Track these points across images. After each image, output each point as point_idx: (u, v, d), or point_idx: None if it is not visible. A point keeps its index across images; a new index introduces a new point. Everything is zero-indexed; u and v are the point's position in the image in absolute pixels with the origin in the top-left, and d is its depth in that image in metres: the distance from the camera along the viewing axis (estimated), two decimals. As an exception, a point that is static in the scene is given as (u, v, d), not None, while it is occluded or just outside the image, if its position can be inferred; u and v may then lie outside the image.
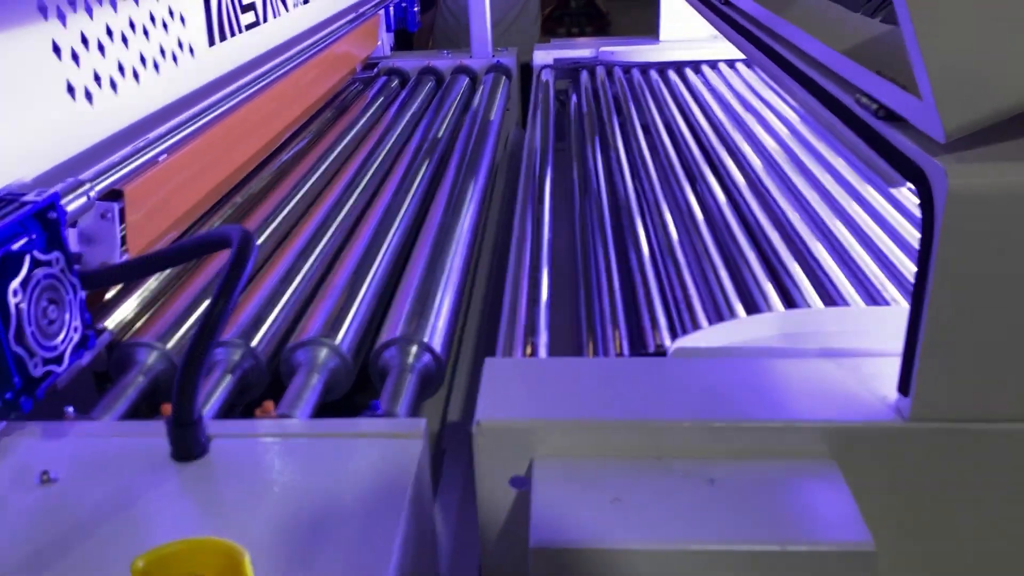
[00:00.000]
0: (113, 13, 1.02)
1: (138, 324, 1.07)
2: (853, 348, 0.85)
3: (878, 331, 0.89)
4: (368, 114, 1.96)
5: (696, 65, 2.18)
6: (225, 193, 1.41)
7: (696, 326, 1.02)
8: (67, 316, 0.74)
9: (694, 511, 0.67)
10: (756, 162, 1.49)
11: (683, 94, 1.94)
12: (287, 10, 1.59)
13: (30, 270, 0.68)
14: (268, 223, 1.35)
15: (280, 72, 1.41)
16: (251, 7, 1.43)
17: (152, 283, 1.14)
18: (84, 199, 0.83)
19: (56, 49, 0.90)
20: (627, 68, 2.21)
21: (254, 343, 1.02)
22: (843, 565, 0.64)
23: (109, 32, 1.01)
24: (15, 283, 0.67)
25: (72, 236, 0.84)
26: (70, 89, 0.92)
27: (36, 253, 0.69)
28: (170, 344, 1.01)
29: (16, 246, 0.69)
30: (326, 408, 0.97)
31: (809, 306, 1.02)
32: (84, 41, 0.95)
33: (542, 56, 2.31)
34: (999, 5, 0.61)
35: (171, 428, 0.76)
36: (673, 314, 1.09)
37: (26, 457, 0.77)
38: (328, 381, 0.98)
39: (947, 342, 0.68)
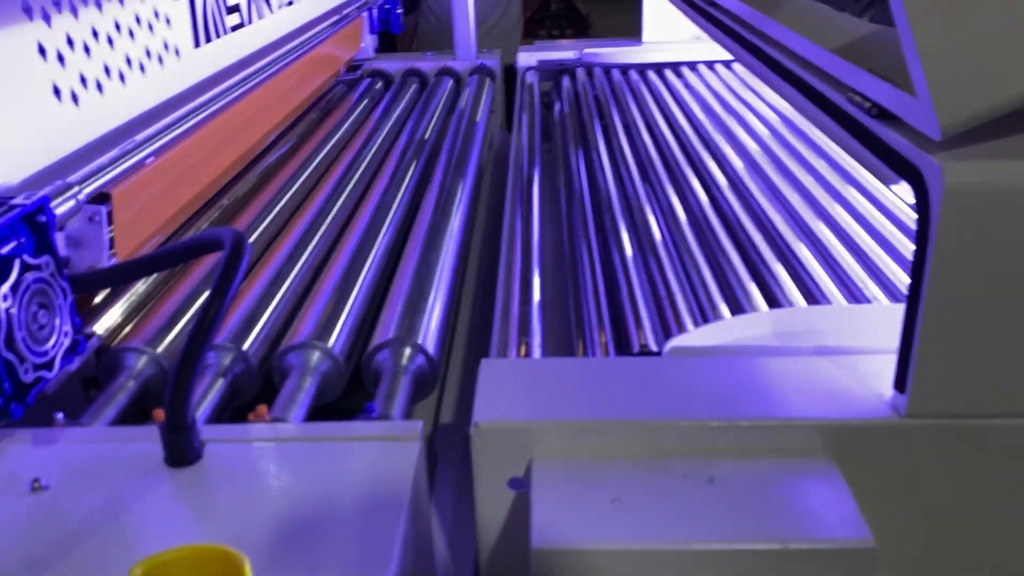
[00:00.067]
0: (98, 14, 1.00)
1: (126, 329, 1.06)
2: (847, 346, 0.85)
3: (871, 329, 0.89)
4: (353, 116, 1.95)
5: (679, 66, 2.18)
6: (212, 196, 1.40)
7: (681, 326, 1.02)
8: (57, 321, 0.73)
9: (695, 510, 0.67)
10: (739, 163, 1.50)
11: (665, 95, 1.95)
12: (271, 11, 1.58)
13: (20, 274, 0.67)
14: (256, 225, 1.34)
15: (266, 74, 1.40)
16: (236, 8, 1.42)
17: (140, 287, 1.13)
18: (73, 202, 0.82)
19: (41, 50, 0.89)
20: (609, 69, 2.22)
21: (245, 347, 1.01)
22: (844, 562, 0.64)
23: (95, 33, 0.99)
24: (4, 288, 0.66)
25: (60, 240, 0.83)
26: (56, 91, 0.91)
27: (26, 257, 0.68)
28: (160, 348, 1.00)
29: (5, 250, 0.68)
30: (317, 412, 0.96)
31: (792, 305, 1.02)
32: (70, 42, 0.94)
33: (526, 58, 2.31)
34: (994, 2, 0.61)
35: (165, 433, 0.74)
36: (669, 313, 1.08)
37: (16, 464, 0.76)
38: (321, 384, 0.97)
39: (943, 339, 0.69)
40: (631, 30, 2.56)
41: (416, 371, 0.97)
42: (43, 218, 0.72)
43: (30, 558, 0.66)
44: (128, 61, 1.06)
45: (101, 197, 0.91)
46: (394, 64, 2.40)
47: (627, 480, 0.71)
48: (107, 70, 1.02)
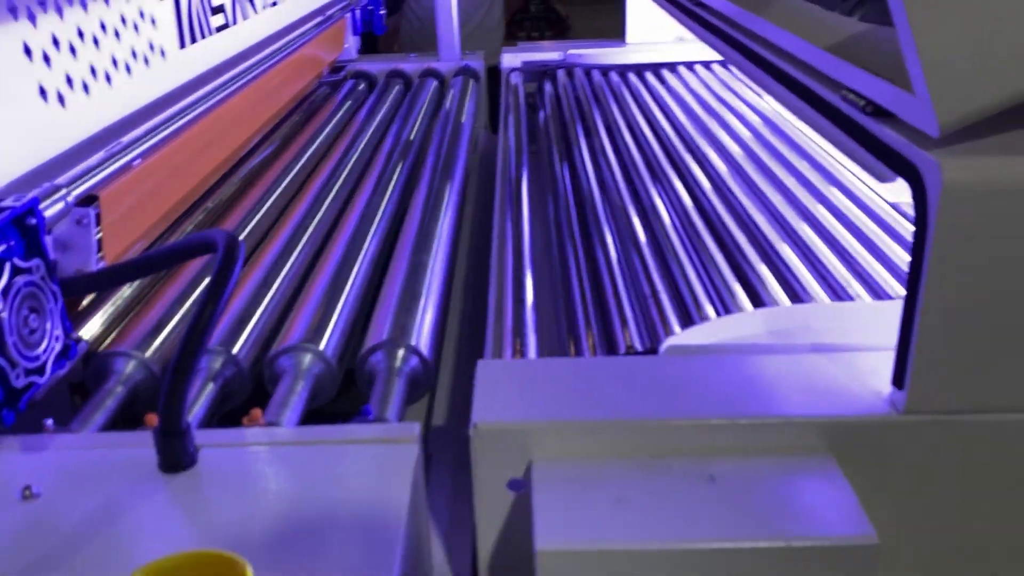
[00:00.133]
0: (84, 14, 0.99)
1: (112, 334, 1.05)
2: (842, 343, 0.85)
3: (864, 326, 0.90)
4: (337, 117, 1.94)
5: (662, 67, 2.19)
6: (197, 199, 1.38)
7: (666, 325, 1.01)
8: (48, 325, 0.71)
9: (698, 510, 0.67)
10: (722, 165, 1.50)
11: (649, 97, 1.95)
12: (256, 12, 1.57)
13: (10, 278, 0.66)
14: (242, 228, 1.33)
15: (251, 75, 1.39)
16: (220, 9, 1.40)
17: (125, 291, 1.12)
18: (62, 204, 0.80)
19: (27, 51, 0.88)
20: (591, 71, 2.21)
21: (235, 350, 1.00)
22: (847, 559, 0.64)
23: (80, 33, 0.98)
24: (-4, 291, 0.64)
25: (47, 243, 0.82)
26: (42, 92, 0.90)
27: (16, 260, 0.67)
28: (148, 352, 0.99)
29: (-6, 253, 0.67)
30: (309, 416, 0.95)
31: (777, 304, 1.02)
32: (55, 42, 0.93)
33: (510, 59, 2.31)
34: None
35: (159, 438, 0.73)
36: (655, 313, 1.08)
37: (5, 472, 0.75)
38: (313, 387, 0.96)
39: (942, 335, 0.69)
40: (610, 32, 2.57)
41: (410, 373, 0.97)
42: (33, 220, 0.71)
43: (24, 567, 0.65)
44: (114, 62, 1.05)
45: (89, 200, 0.90)
46: (377, 65, 2.39)
47: (628, 480, 0.71)
48: (93, 71, 1.00)
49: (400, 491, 0.71)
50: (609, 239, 1.26)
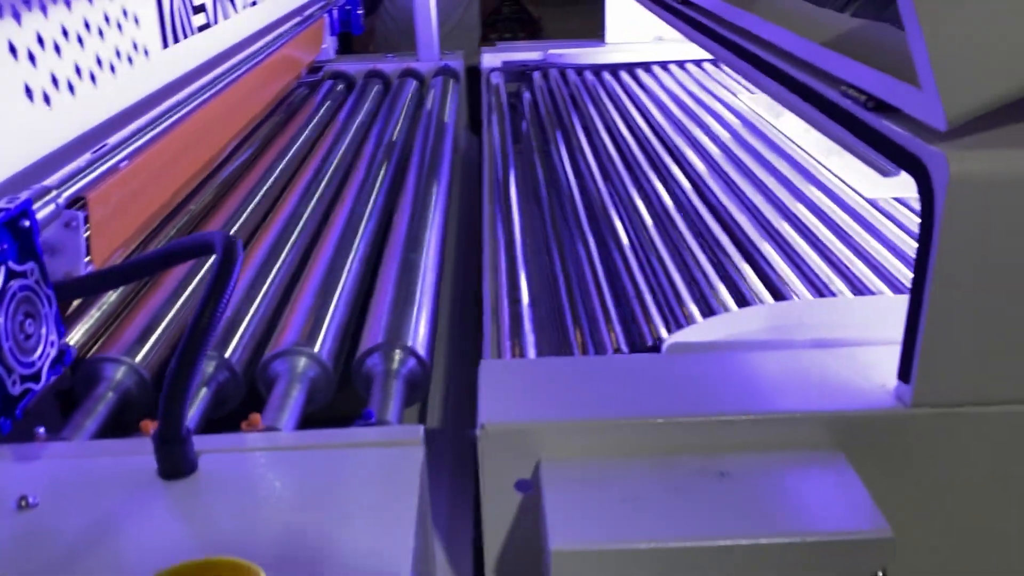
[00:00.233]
0: (67, 12, 0.97)
1: (99, 339, 1.02)
2: (843, 338, 0.85)
3: (864, 321, 0.90)
4: (317, 118, 1.92)
5: (642, 67, 2.19)
6: (180, 201, 1.36)
7: (651, 324, 1.01)
8: (44, 330, 0.69)
9: (711, 507, 0.67)
10: (710, 155, 1.51)
11: (629, 97, 1.95)
12: (236, 12, 1.55)
13: (5, 282, 0.64)
14: (227, 230, 1.31)
15: (234, 75, 1.37)
16: (202, 8, 1.38)
17: (111, 296, 1.09)
18: (52, 207, 0.78)
19: (12, 49, 0.86)
20: (568, 70, 2.21)
21: (227, 354, 0.98)
22: (863, 553, 0.64)
23: (64, 32, 0.96)
24: (-9, 296, 0.62)
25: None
26: (28, 91, 0.88)
27: (11, 264, 0.65)
28: (138, 358, 0.97)
29: (-12, 256, 0.65)
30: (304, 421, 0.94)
31: (762, 302, 1.01)
32: (40, 41, 0.91)
33: (490, 59, 2.30)
34: (1000, -7, 0.62)
35: (158, 445, 0.72)
36: (639, 312, 1.08)
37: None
38: (309, 391, 0.94)
39: (948, 328, 0.69)
40: (582, 33, 2.57)
41: (408, 375, 0.95)
42: (26, 223, 0.69)
43: (23, 580, 0.63)
44: (99, 61, 1.03)
45: (77, 202, 0.88)
46: (355, 66, 2.37)
47: (639, 478, 0.70)
48: (78, 70, 0.98)
49: (408, 495, 0.70)
50: (596, 239, 1.26)
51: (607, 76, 2.15)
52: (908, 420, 0.72)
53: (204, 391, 0.94)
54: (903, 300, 0.97)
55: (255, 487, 0.71)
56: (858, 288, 1.05)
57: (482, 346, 0.98)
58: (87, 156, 0.91)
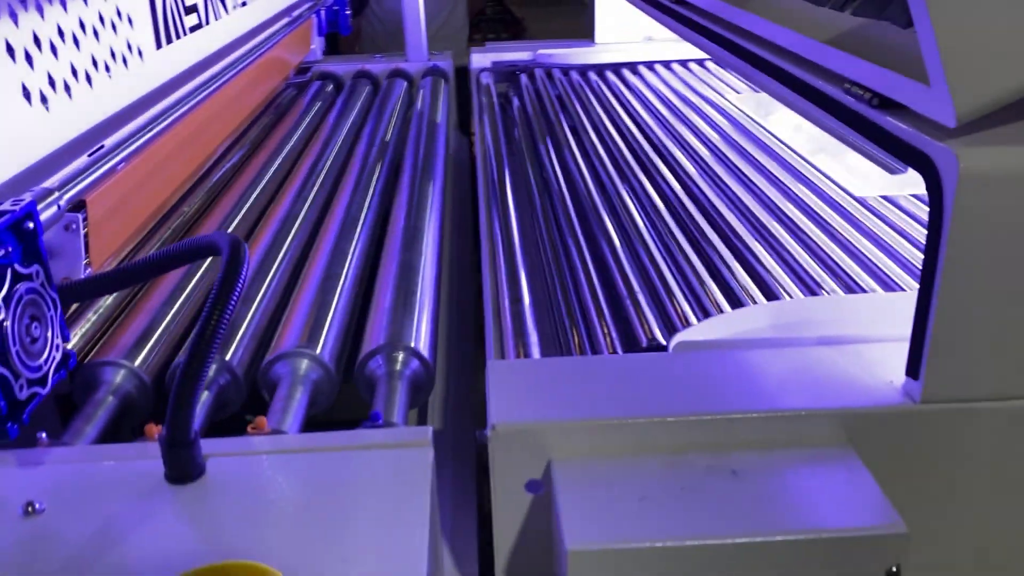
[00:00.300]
0: (63, 12, 0.96)
1: (96, 344, 1.01)
2: (847, 335, 0.86)
3: (866, 318, 0.90)
4: (308, 119, 1.91)
5: (632, 66, 2.19)
6: (174, 203, 1.35)
7: (645, 324, 1.00)
8: (49, 333, 0.68)
9: (725, 504, 0.67)
10: (700, 155, 1.51)
11: (618, 97, 1.95)
12: (227, 12, 1.53)
13: (11, 285, 0.63)
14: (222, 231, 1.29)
15: (227, 76, 1.36)
16: (194, 9, 1.37)
17: (107, 300, 1.08)
18: (54, 208, 0.77)
19: (10, 50, 0.84)
20: (559, 70, 2.21)
21: (228, 357, 0.97)
22: (878, 549, 0.64)
23: (60, 33, 0.95)
24: (-2, 299, 0.61)
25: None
26: (26, 93, 0.86)
27: (17, 266, 0.64)
28: (137, 361, 0.96)
29: (-6, 259, 0.64)
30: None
31: (755, 300, 1.02)
32: (36, 42, 0.89)
33: (480, 59, 2.30)
34: (1009, -9, 0.62)
35: (166, 449, 0.71)
36: (633, 312, 1.07)
37: (4, 488, 0.72)
38: (312, 393, 0.94)
39: (958, 324, 0.69)
40: (565, 33, 2.57)
41: (411, 376, 0.95)
42: (31, 225, 0.68)
43: (33, 587, 0.62)
44: (94, 62, 1.01)
45: (77, 205, 0.87)
46: (343, 66, 2.36)
47: (651, 477, 0.70)
48: (74, 71, 0.97)
49: (420, 496, 0.70)
50: (587, 239, 1.25)
51: (595, 76, 2.14)
52: (917, 416, 0.72)
53: (206, 394, 0.93)
54: (904, 297, 0.99)
55: (265, 491, 0.71)
56: (849, 286, 1.06)
57: (484, 346, 0.98)
58: (86, 158, 0.89)
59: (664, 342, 0.93)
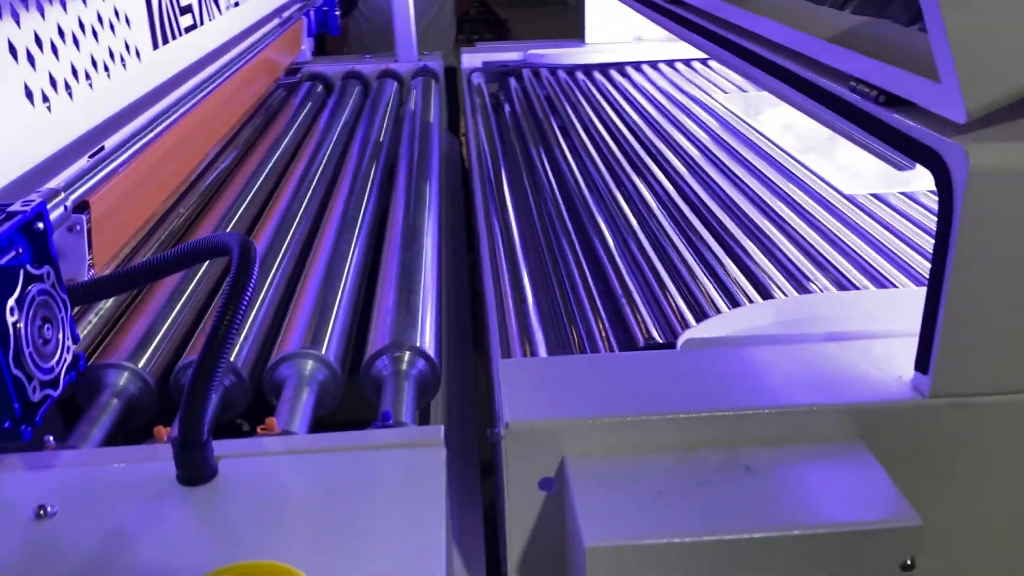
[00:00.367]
0: (63, 12, 0.95)
1: (100, 345, 1.00)
2: (853, 331, 0.86)
3: (871, 314, 0.91)
4: (299, 120, 1.90)
5: (622, 66, 2.20)
6: (171, 205, 1.34)
7: (641, 323, 1.01)
8: (61, 335, 0.68)
9: (740, 500, 0.67)
10: (689, 158, 1.52)
11: (609, 97, 1.95)
12: (220, 13, 1.53)
13: (24, 286, 0.63)
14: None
15: (224, 76, 1.36)
16: (188, 9, 1.36)
17: (107, 301, 1.07)
18: (61, 209, 0.77)
19: (12, 50, 0.84)
20: (549, 70, 2.21)
21: (232, 358, 0.97)
22: (893, 542, 0.64)
23: (61, 33, 0.94)
24: (11, 301, 0.61)
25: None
26: (28, 93, 0.86)
27: (29, 267, 0.64)
28: (141, 363, 0.95)
29: (4, 260, 0.63)
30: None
31: (750, 298, 1.02)
32: (38, 42, 0.89)
33: (470, 59, 2.30)
34: (1019, -11, 0.63)
35: (178, 450, 0.70)
36: (628, 311, 1.07)
37: (13, 491, 0.71)
38: (318, 394, 0.93)
39: (967, 319, 0.70)
40: (549, 33, 2.58)
41: (418, 376, 0.95)
42: (41, 226, 0.67)
43: (48, 591, 0.62)
44: (94, 63, 1.01)
45: (80, 206, 0.86)
46: (333, 67, 2.35)
47: (665, 474, 0.70)
48: (74, 72, 0.96)
49: (435, 495, 0.70)
50: (575, 238, 1.26)
51: (584, 76, 2.15)
52: (927, 410, 0.73)
53: (212, 396, 0.92)
54: (905, 293, 1.00)
55: (279, 492, 0.70)
56: (840, 283, 1.07)
57: (482, 345, 0.98)
58: (89, 159, 0.89)
59: (660, 339, 0.94)
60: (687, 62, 2.19)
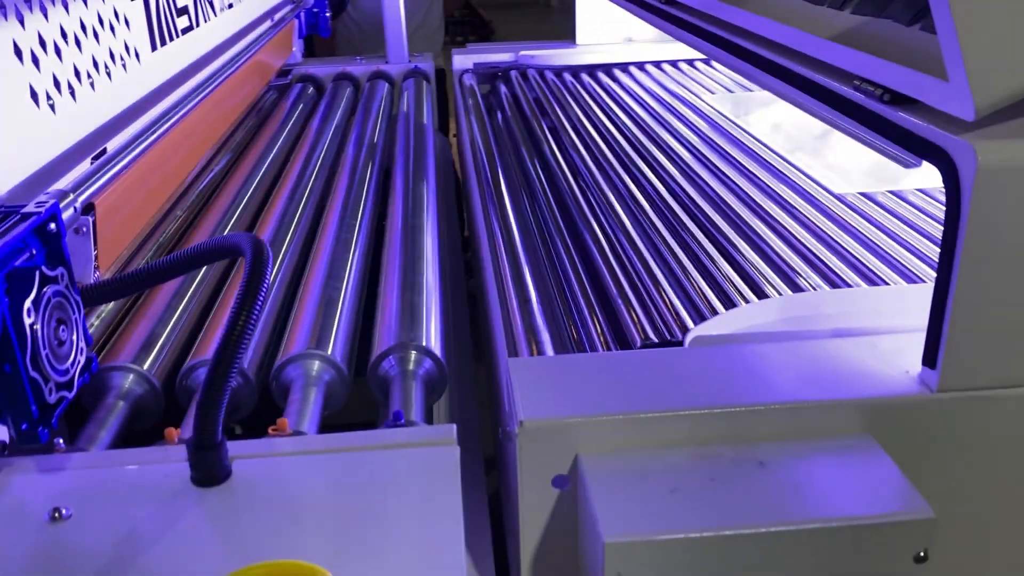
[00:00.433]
0: (65, 14, 0.94)
1: (104, 349, 1.00)
2: (858, 327, 0.87)
3: (875, 310, 0.92)
4: (292, 121, 1.90)
5: (613, 67, 2.21)
6: (169, 207, 1.33)
7: (637, 323, 1.01)
8: (75, 336, 0.68)
9: (755, 494, 0.68)
10: (681, 157, 1.53)
11: (600, 98, 1.96)
12: (215, 14, 1.52)
13: (40, 288, 0.62)
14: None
15: (222, 77, 1.35)
16: (184, 11, 1.36)
17: (109, 304, 1.07)
18: (71, 211, 0.76)
19: (17, 52, 0.83)
20: (541, 71, 2.21)
21: (237, 359, 0.97)
22: (907, 534, 0.65)
23: (63, 34, 0.93)
24: (27, 302, 0.61)
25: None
26: (33, 95, 0.85)
27: (44, 269, 0.63)
28: (146, 365, 0.95)
29: (19, 261, 0.63)
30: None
31: (744, 296, 1.02)
32: (42, 43, 0.88)
33: (461, 61, 2.30)
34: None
35: (193, 452, 0.70)
36: (624, 311, 1.08)
37: (26, 494, 0.71)
38: (326, 394, 0.93)
39: (975, 314, 0.71)
40: (531, 34, 2.59)
41: (425, 376, 0.95)
42: (54, 227, 0.67)
43: (67, 594, 0.61)
44: (95, 64, 1.00)
45: (86, 208, 0.86)
46: (324, 69, 2.35)
47: (679, 469, 0.71)
48: (77, 73, 0.96)
49: (451, 493, 0.70)
50: (568, 238, 1.26)
51: (572, 77, 2.15)
52: (935, 404, 0.74)
53: (217, 397, 0.92)
54: (907, 289, 1.01)
55: (294, 492, 0.70)
56: (832, 280, 1.07)
57: (491, 344, 0.98)
58: (93, 161, 0.88)
59: (655, 339, 0.94)
60: (674, 63, 2.20)
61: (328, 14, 2.42)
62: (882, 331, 0.85)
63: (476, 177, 1.51)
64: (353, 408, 1.01)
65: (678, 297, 1.06)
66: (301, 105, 2.05)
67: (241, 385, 0.95)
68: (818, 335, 0.86)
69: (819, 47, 0.91)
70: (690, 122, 1.76)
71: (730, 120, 1.76)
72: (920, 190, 1.33)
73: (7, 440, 0.73)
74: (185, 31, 1.35)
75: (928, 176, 1.37)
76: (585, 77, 2.15)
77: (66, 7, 0.94)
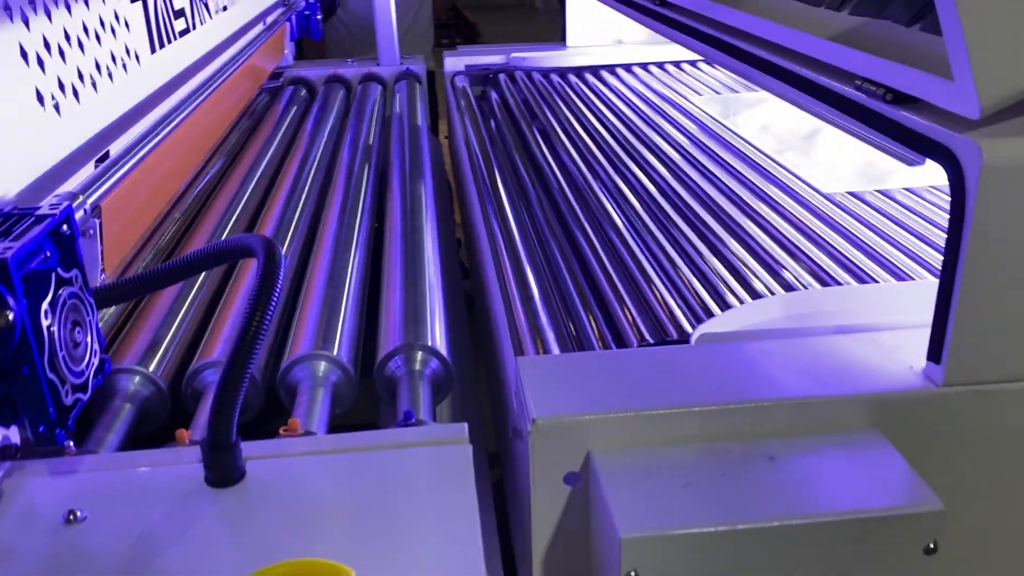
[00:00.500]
0: (68, 16, 0.94)
1: (108, 351, 1.00)
2: (861, 324, 0.89)
3: (876, 306, 0.93)
4: (286, 123, 1.90)
5: (603, 69, 2.21)
6: (167, 209, 1.33)
7: (633, 323, 1.01)
8: (89, 338, 0.68)
9: (766, 489, 0.69)
10: (672, 159, 1.54)
11: (591, 99, 1.97)
12: (211, 16, 1.52)
13: (56, 290, 0.62)
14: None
15: (219, 80, 1.35)
16: (181, 13, 1.36)
17: (109, 308, 1.07)
18: (82, 213, 0.76)
19: (23, 54, 0.83)
20: (535, 72, 2.22)
21: (245, 361, 0.97)
22: (916, 527, 0.66)
23: (67, 36, 0.93)
24: (45, 304, 0.61)
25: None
26: (39, 97, 0.85)
27: (60, 271, 0.63)
28: (151, 367, 0.95)
29: (34, 264, 0.63)
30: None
31: (737, 296, 1.03)
32: (47, 46, 0.88)
33: (453, 62, 2.30)
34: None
35: (207, 453, 0.71)
36: (619, 312, 1.09)
37: (41, 497, 0.71)
38: (333, 395, 0.93)
39: (979, 310, 0.72)
40: (518, 37, 2.60)
41: (432, 375, 0.95)
42: (67, 229, 0.67)
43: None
44: (97, 66, 1.00)
45: (93, 210, 0.86)
46: (315, 71, 2.34)
47: (691, 465, 0.72)
48: (80, 76, 0.95)
49: (465, 491, 0.70)
50: (574, 236, 1.27)
51: (560, 79, 2.16)
52: (940, 399, 0.75)
53: (224, 399, 0.92)
54: (908, 286, 1.02)
55: (309, 492, 0.71)
56: (822, 279, 1.08)
57: (494, 343, 0.98)
58: (97, 164, 0.88)
59: (650, 339, 0.95)
60: (661, 65, 2.21)
61: (319, 17, 2.41)
62: (885, 327, 0.87)
63: (473, 177, 1.52)
64: (353, 408, 1.01)
65: (671, 294, 1.07)
66: (294, 107, 2.05)
67: (248, 387, 0.95)
68: (821, 332, 0.87)
69: (820, 48, 0.92)
70: (679, 124, 1.77)
71: (719, 121, 1.78)
72: (907, 189, 1.35)
73: (19, 443, 0.73)
74: (183, 33, 1.35)
75: (915, 175, 1.38)
76: (574, 79, 2.16)
77: (68, 9, 0.94)
